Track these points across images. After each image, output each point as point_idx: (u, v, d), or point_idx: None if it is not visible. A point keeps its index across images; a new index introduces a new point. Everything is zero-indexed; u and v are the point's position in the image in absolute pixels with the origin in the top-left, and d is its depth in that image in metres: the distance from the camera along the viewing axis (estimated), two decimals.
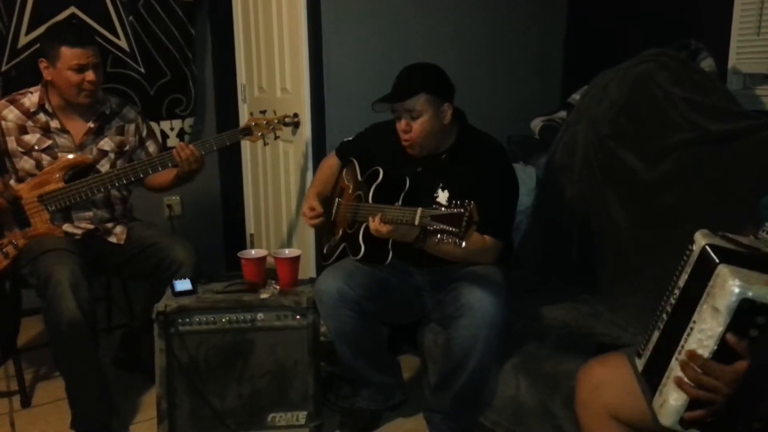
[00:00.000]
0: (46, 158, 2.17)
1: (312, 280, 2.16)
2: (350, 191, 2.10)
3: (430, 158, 2.00)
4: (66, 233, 2.18)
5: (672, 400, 1.03)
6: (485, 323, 1.75)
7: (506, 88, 2.91)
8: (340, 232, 2.08)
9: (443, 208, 1.53)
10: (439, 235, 1.52)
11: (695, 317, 1.01)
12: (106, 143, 2.26)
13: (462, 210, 1.48)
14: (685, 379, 1.00)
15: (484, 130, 2.05)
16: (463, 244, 1.48)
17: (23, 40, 2.83)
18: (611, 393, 1.27)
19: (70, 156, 2.18)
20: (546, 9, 2.99)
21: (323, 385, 2.20)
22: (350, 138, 2.23)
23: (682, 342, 1.02)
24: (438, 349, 2.00)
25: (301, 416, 2.04)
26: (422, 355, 2.11)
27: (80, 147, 2.21)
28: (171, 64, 3.14)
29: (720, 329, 0.96)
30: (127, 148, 2.31)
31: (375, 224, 1.72)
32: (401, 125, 1.91)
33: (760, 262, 1.06)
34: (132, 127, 2.33)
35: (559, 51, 3.06)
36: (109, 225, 2.28)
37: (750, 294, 0.93)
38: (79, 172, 2.18)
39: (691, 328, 1.01)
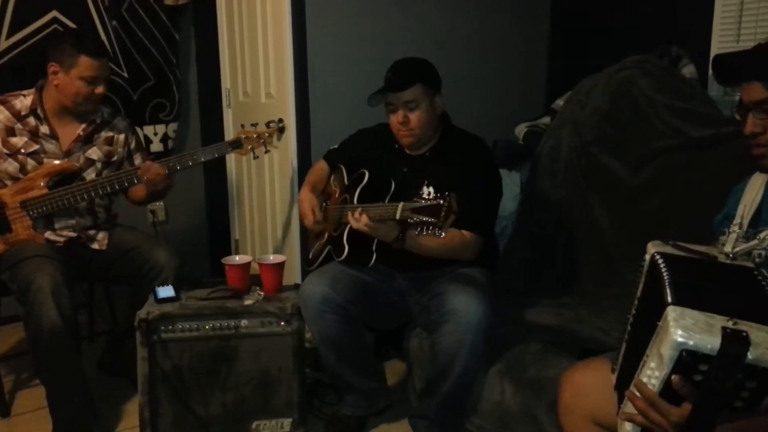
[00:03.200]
0: (31, 162, 2.14)
1: (297, 286, 2.15)
2: (337, 195, 2.10)
3: (414, 159, 2.03)
4: (48, 240, 2.15)
5: (628, 426, 1.04)
6: (470, 329, 1.75)
7: (491, 94, 2.92)
8: (326, 236, 2.08)
9: (423, 201, 1.55)
10: (419, 228, 1.54)
11: (648, 351, 1.00)
12: (94, 152, 2.24)
13: (441, 201, 1.51)
14: (635, 411, 1.01)
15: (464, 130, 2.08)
16: (443, 234, 1.51)
17: (3, 44, 2.79)
18: (593, 398, 1.28)
19: (56, 162, 2.15)
20: (530, 15, 3.01)
21: (308, 391, 2.18)
22: (335, 146, 2.24)
23: (638, 371, 1.02)
24: (423, 354, 2.00)
25: (286, 423, 2.03)
26: (408, 360, 2.11)
27: (67, 154, 2.19)
28: (155, 68, 3.12)
29: (665, 373, 0.95)
30: (115, 158, 2.29)
31: (355, 216, 1.72)
32: (398, 117, 1.93)
33: (708, 268, 1.07)
34: (121, 138, 2.31)
35: (543, 57, 3.08)
36: (92, 232, 2.26)
37: (691, 344, 0.91)
38: (63, 179, 2.15)
39: (644, 361, 1.01)
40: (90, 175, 2.22)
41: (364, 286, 1.99)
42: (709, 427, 0.93)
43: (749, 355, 0.89)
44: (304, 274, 2.42)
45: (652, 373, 0.97)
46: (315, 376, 2.32)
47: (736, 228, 1.23)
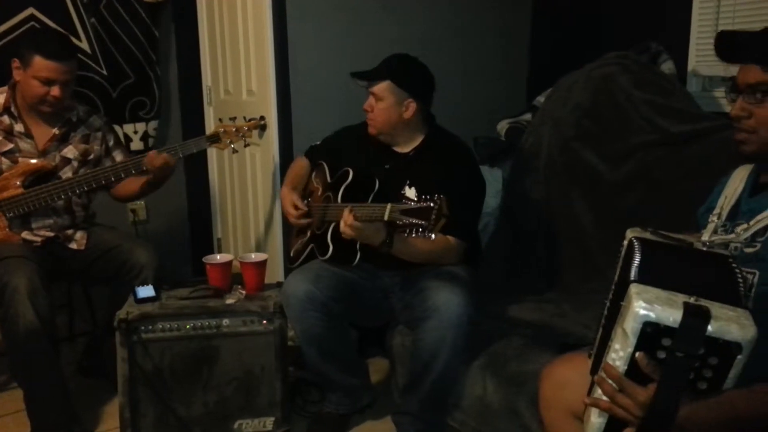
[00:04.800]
0: (6, 162, 2.12)
1: (279, 284, 2.13)
2: (319, 193, 2.10)
3: (397, 157, 2.03)
4: (25, 240, 2.12)
5: (593, 417, 1.04)
6: (452, 325, 1.75)
7: (473, 91, 2.92)
8: (308, 234, 2.07)
9: (412, 203, 1.54)
10: (408, 230, 1.53)
11: (613, 335, 1.00)
12: (70, 151, 2.21)
13: (431, 204, 1.49)
14: (604, 397, 1.01)
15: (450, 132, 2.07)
16: (432, 236, 1.50)
17: None
18: (573, 392, 1.27)
19: (32, 161, 2.12)
20: (511, 12, 3.02)
21: (291, 390, 2.17)
22: (318, 143, 2.23)
23: (605, 357, 1.02)
24: (406, 351, 2.00)
25: (269, 422, 2.02)
26: (391, 357, 2.11)
27: (43, 153, 2.16)
28: (134, 66, 3.08)
29: (629, 350, 0.95)
30: (92, 157, 2.27)
31: (346, 217, 1.71)
32: (366, 103, 1.98)
33: (683, 253, 1.08)
34: (98, 135, 2.28)
35: (524, 54, 3.09)
36: (70, 232, 2.23)
37: (653, 316, 0.91)
38: (39, 178, 2.12)
39: (610, 346, 1.01)
40: (66, 173, 2.19)
41: (347, 283, 1.98)
42: (673, 405, 0.93)
43: (710, 327, 0.90)
44: (287, 272, 2.41)
45: (617, 355, 0.97)
46: (298, 375, 2.31)
47: (714, 218, 1.24)
